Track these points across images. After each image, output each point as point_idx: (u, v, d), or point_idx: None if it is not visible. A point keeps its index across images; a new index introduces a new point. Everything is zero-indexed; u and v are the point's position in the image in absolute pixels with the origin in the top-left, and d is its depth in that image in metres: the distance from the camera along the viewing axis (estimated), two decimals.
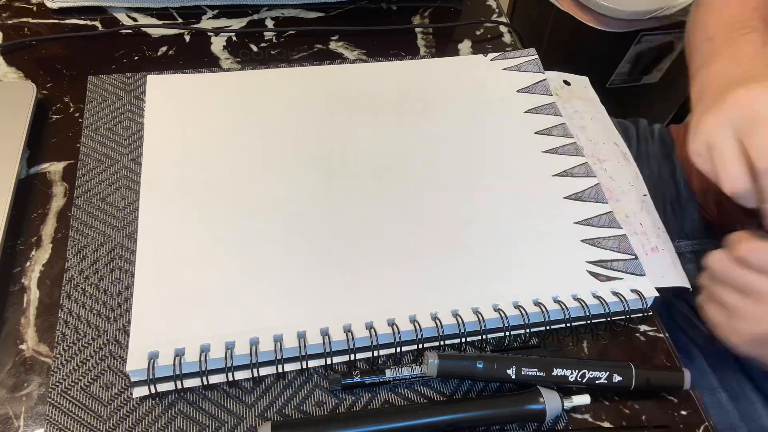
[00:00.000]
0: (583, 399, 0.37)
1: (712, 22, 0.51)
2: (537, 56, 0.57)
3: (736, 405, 0.50)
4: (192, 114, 0.49)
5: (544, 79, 0.55)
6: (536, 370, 0.37)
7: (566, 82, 0.58)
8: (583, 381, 0.37)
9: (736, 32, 0.48)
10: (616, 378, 0.38)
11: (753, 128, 0.38)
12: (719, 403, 0.50)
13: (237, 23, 0.59)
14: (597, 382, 0.38)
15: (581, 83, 0.58)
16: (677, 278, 0.43)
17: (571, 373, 0.37)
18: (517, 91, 0.54)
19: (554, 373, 0.37)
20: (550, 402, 0.36)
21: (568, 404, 0.37)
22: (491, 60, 0.57)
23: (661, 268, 0.43)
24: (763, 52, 0.46)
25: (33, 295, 0.40)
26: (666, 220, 0.46)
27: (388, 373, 0.37)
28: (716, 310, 0.41)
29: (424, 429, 0.35)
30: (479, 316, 0.39)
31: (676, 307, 0.58)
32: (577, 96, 0.56)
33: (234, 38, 0.58)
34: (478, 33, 0.63)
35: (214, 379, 0.36)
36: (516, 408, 0.36)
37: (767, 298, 0.38)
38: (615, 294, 0.42)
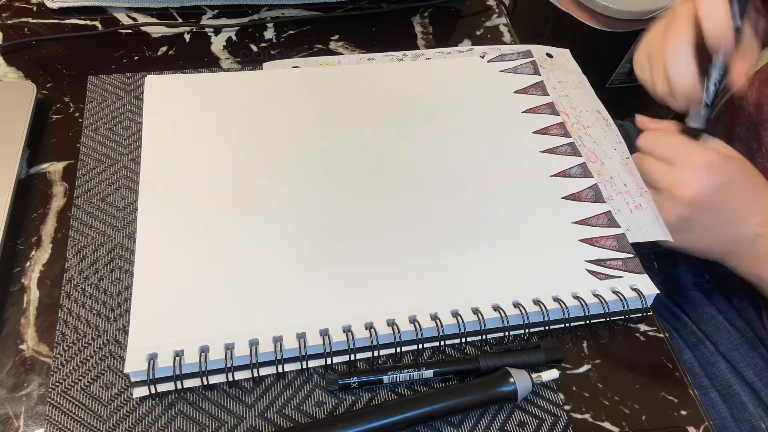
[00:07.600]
0: (552, 374, 0.38)
1: None
2: (533, 59, 0.57)
3: (728, 405, 0.50)
4: (190, 114, 0.49)
5: (541, 81, 0.55)
6: None
7: (549, 55, 0.60)
8: None
9: None
10: None
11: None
12: (711, 403, 0.51)
13: (237, 23, 0.59)
14: None
15: (563, 55, 0.60)
16: (660, 233, 0.45)
17: None
18: (514, 92, 0.54)
19: None
20: (521, 382, 0.37)
21: (537, 381, 0.38)
22: (488, 62, 0.57)
23: (645, 224, 0.46)
24: None
25: (33, 295, 0.40)
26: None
27: (386, 380, 0.38)
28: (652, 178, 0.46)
29: (398, 426, 0.35)
30: (479, 315, 0.39)
31: (666, 307, 0.58)
32: (560, 67, 0.59)
33: (234, 38, 0.58)
34: (478, 33, 0.63)
35: (214, 379, 0.36)
36: (488, 392, 0.37)
37: (676, 166, 0.44)
38: (615, 292, 0.42)
